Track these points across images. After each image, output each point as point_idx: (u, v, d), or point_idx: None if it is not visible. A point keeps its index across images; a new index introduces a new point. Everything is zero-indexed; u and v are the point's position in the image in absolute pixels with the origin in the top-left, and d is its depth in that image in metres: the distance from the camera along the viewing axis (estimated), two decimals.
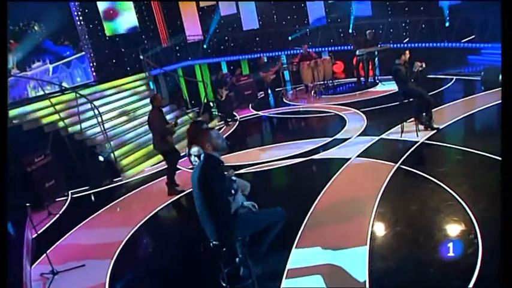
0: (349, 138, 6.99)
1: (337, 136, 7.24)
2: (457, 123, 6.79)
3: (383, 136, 6.76)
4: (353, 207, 4.54)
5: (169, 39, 15.64)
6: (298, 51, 14.01)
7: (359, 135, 7.04)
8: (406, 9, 16.67)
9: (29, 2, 9.97)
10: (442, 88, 9.46)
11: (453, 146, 5.74)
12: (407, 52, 6.44)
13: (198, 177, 3.09)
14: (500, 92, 7.63)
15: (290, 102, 11.31)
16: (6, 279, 1.92)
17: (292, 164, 6.33)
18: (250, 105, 11.73)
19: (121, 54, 13.54)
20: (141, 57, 10.99)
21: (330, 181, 5.30)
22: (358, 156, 6.07)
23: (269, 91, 11.97)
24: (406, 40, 14.95)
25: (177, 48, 15.69)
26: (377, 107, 8.82)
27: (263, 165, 6.54)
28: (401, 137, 6.52)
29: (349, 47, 12.63)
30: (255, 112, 10.93)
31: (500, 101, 7.17)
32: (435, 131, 6.50)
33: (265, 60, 11.78)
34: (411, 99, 6.57)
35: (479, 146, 5.45)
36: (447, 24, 13.95)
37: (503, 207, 2.13)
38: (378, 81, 11.72)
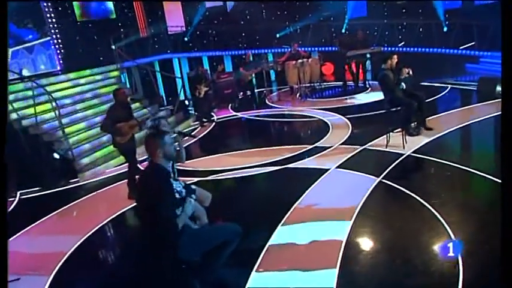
0: (331, 147, 6.84)
1: (318, 144, 7.10)
2: (447, 136, 6.71)
3: (367, 146, 6.64)
4: (326, 225, 4.37)
5: (147, 29, 15.33)
6: (286, 49, 13.93)
7: (341, 144, 6.92)
8: (404, 10, 16.79)
9: (29, 2, 10.18)
10: (434, 97, 9.44)
11: (440, 161, 5.63)
12: (394, 56, 6.33)
13: (138, 188, 2.86)
14: (495, 104, 7.87)
15: (273, 105, 11.19)
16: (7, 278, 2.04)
17: (264, 173, 6.16)
18: (230, 105, 11.56)
19: (93, 42, 13.18)
20: (113, 46, 10.68)
21: (304, 194, 5.11)
22: (337, 167, 5.91)
23: (248, 92, 11.69)
24: (401, 44, 14.99)
25: (156, 39, 15.40)
26: (364, 114, 8.72)
27: (232, 172, 6.34)
28: (386, 148, 6.39)
29: (334, 48, 12.46)
30: (234, 113, 10.75)
31: (495, 114, 7.30)
32: (428, 137, 6.46)
33: (251, 59, 11.54)
34: (399, 108, 6.45)
35: (468, 162, 5.39)
36: (445, 29, 13.92)
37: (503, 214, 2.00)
38: (368, 86, 11.63)
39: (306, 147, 6.96)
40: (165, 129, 4.14)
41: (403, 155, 6.06)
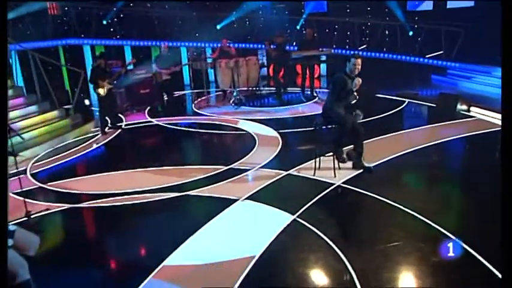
0: (249, 170, 6.44)
1: (236, 165, 6.69)
2: (389, 164, 6.44)
3: (292, 171, 6.27)
4: (212, 275, 3.87)
5: (54, 4, 14.29)
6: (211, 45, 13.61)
7: (263, 167, 6.53)
8: (369, 8, 16.90)
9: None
10: (385, 114, 9.36)
11: (375, 196, 5.27)
12: (359, 61, 5.94)
13: None
14: (452, 127, 8.00)
15: (199, 111, 10.75)
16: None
17: (153, 201, 5.58)
18: (147, 109, 11.00)
19: None
20: None
21: (187, 240, 4.52)
22: (248, 197, 5.44)
23: (164, 95, 11.12)
24: (362, 47, 14.98)
25: (64, 18, 14.46)
26: (302, 130, 8.40)
27: (116, 198, 5.70)
28: (314, 175, 6.04)
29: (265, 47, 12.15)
30: (150, 119, 10.18)
31: (450, 138, 7.37)
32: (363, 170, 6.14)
33: (168, 52, 10.90)
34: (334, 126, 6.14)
35: (410, 201, 5.06)
36: (410, 33, 14.03)
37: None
38: (316, 94, 11.36)
39: (220, 169, 6.53)
40: None
41: (332, 185, 5.70)
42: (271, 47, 11.18)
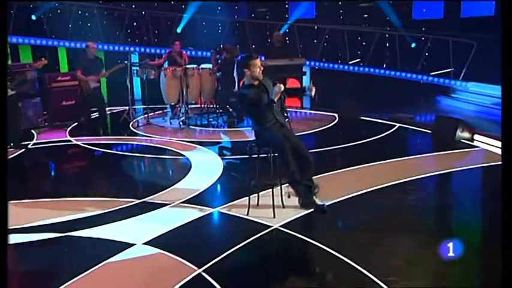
0: (167, 205, 6.00)
1: (152, 198, 6.24)
2: (350, 202, 5.94)
3: (221, 208, 5.82)
4: None
5: None
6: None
7: (186, 202, 6.10)
8: (366, 15, 16.66)
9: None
10: (364, 140, 9.07)
11: (323, 247, 4.72)
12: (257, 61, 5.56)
13: None
14: (445, 158, 7.74)
15: (136, 130, 10.44)
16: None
17: (24, 243, 5.07)
18: (71, 125, 10.65)
19: None
20: None
21: None
22: (148, 242, 4.93)
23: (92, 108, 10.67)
24: (354, 61, 14.66)
25: None
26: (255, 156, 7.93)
27: None
28: (247, 214, 5.58)
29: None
30: (69, 138, 9.80)
31: (436, 173, 7.04)
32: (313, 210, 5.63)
33: (95, 55, 10.43)
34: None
35: (369, 257, 4.51)
36: (413, 45, 13.76)
37: None
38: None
39: (130, 203, 6.10)
40: None
41: (267, 227, 5.21)
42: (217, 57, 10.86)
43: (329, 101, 12.25)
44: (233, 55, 10.82)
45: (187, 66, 10.71)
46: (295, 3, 16.83)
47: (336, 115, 11.04)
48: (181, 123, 10.60)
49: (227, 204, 5.91)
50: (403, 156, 7.94)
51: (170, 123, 10.99)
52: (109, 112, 11.75)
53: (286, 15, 17.09)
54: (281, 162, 5.55)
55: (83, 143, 9.35)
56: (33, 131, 10.02)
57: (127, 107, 11.28)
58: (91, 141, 9.51)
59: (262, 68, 5.58)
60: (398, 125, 10.09)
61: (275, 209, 5.53)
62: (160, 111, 12.35)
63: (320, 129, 10.06)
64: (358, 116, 10.70)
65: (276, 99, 5.47)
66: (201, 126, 10.66)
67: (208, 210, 5.77)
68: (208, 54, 13.24)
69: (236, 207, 5.82)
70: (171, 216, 5.65)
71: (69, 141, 9.60)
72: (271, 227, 5.21)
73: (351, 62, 14.51)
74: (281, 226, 5.23)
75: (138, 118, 11.54)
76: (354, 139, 8.87)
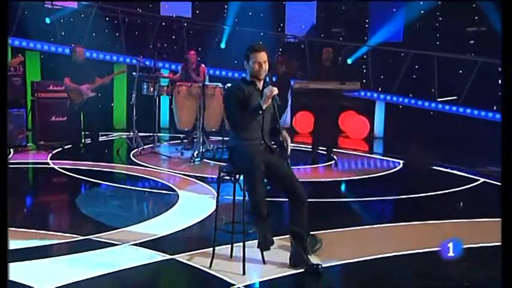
0: (113, 245, 5.80)
1: (103, 235, 6.10)
2: (359, 266, 5.47)
3: (181, 257, 5.53)
4: None
5: None
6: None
7: (142, 243, 5.89)
8: (472, 42, 15.82)
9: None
10: (425, 193, 8.53)
11: None
12: (263, 54, 5.11)
13: None
14: None
15: (136, 160, 10.41)
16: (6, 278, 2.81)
17: None
18: (59, 148, 10.66)
19: None
20: None
21: None
22: None
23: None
24: (448, 98, 13.92)
25: None
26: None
27: None
28: (210, 267, 5.21)
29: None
30: (48, 161, 10.00)
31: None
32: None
33: (84, 59, 10.33)
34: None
35: None
36: None
37: None
38: (333, 155, 10.54)
39: (73, 238, 6.05)
40: None
41: (227, 286, 4.84)
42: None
43: (398, 145, 12.19)
44: (290, 70, 10.64)
45: (207, 83, 10.53)
46: (376, 24, 16.47)
47: (400, 161, 10.73)
48: (194, 156, 10.26)
49: (191, 252, 5.62)
50: (470, 217, 7.43)
51: (182, 153, 10.77)
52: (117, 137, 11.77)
53: (366, 37, 16.72)
54: (247, 188, 5.16)
55: (60, 167, 9.40)
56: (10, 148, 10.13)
57: (151, 134, 11.37)
58: (73, 166, 9.54)
59: (266, 65, 5.17)
60: (482, 179, 9.54)
61: (249, 263, 5.11)
62: (179, 141, 12.28)
63: (369, 176, 9.86)
64: (430, 164, 10.32)
65: (264, 106, 4.87)
66: (220, 161, 10.14)
67: (162, 256, 5.53)
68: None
69: (203, 255, 5.49)
70: (108, 259, 5.43)
71: (47, 163, 9.72)
72: (232, 285, 4.80)
73: (440, 100, 13.76)
74: (245, 287, 4.82)
75: (145, 146, 11.48)
76: (408, 191, 8.58)
